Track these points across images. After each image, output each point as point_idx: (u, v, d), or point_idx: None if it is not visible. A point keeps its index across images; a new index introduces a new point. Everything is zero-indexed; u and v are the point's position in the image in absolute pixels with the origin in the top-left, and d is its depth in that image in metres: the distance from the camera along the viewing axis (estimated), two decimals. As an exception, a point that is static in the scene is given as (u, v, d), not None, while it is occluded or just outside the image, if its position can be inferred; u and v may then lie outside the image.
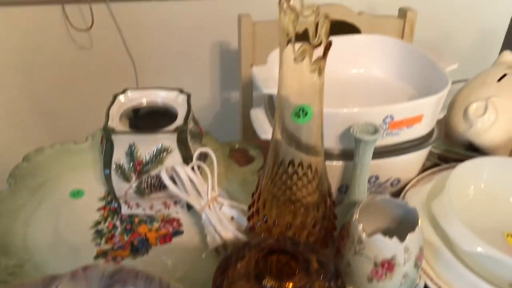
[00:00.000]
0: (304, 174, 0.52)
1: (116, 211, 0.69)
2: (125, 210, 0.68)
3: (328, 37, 0.42)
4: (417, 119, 0.63)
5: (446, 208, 0.58)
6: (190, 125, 0.66)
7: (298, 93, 0.45)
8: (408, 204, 0.54)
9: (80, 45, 1.19)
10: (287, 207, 0.50)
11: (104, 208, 0.70)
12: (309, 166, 0.51)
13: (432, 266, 0.59)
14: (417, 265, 0.52)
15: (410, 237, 0.50)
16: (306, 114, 0.45)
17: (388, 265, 0.50)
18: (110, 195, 0.70)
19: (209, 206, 0.62)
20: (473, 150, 0.79)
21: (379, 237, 0.50)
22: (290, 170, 0.51)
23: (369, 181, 0.67)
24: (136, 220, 0.68)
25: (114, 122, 0.64)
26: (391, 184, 0.69)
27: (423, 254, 0.53)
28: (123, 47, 1.20)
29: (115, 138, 0.62)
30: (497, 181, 0.67)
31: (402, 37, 1.05)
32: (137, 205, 0.68)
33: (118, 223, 0.67)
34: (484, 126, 0.74)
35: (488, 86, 0.78)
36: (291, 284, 0.40)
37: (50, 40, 1.16)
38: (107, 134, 0.62)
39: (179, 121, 0.64)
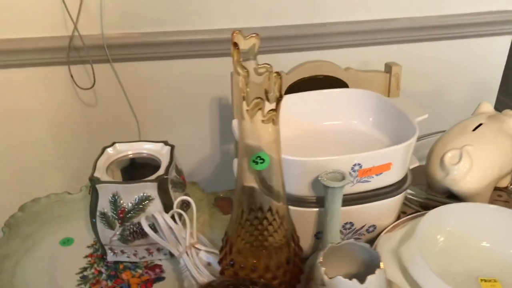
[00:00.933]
0: (274, 219, 0.55)
1: (103, 258, 0.72)
2: (110, 257, 0.71)
3: (280, 91, 0.47)
4: (386, 167, 0.66)
5: (414, 253, 0.60)
6: (172, 175, 0.70)
7: (256, 142, 0.49)
8: (371, 248, 0.57)
9: (85, 102, 1.26)
10: (252, 250, 0.53)
11: (91, 255, 0.73)
12: (277, 212, 0.54)
13: (401, 310, 0.60)
14: (380, 308, 0.54)
15: (370, 279, 0.52)
16: (263, 161, 0.49)
17: (350, 307, 0.52)
18: (98, 243, 0.73)
19: (187, 252, 0.64)
20: (454, 197, 0.81)
21: (340, 279, 0.52)
22: (259, 215, 0.54)
23: (344, 227, 0.69)
24: (121, 266, 0.71)
25: (100, 172, 0.68)
26: (367, 231, 0.71)
27: (387, 297, 0.55)
28: (126, 103, 1.27)
29: (99, 187, 0.66)
30: (467, 226, 0.68)
31: (389, 90, 1.10)
32: (122, 252, 0.70)
33: (103, 269, 0.70)
34: (460, 174, 0.77)
35: (463, 135, 0.81)
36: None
37: (57, 98, 1.23)
38: (93, 183, 0.66)
39: (161, 171, 0.68)
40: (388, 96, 1.11)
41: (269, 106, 0.47)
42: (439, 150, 0.81)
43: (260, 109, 0.46)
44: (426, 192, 0.84)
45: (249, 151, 0.50)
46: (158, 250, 0.71)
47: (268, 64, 0.48)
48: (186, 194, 0.72)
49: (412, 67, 1.41)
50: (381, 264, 0.54)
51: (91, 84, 1.23)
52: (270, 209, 0.53)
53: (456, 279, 0.65)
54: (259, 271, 0.53)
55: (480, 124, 0.83)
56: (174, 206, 0.67)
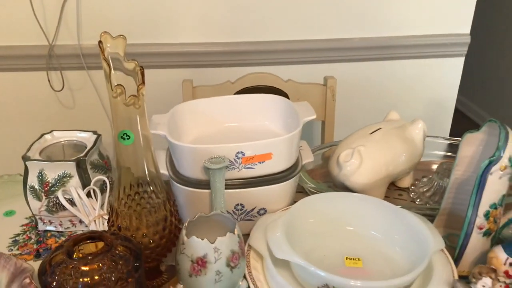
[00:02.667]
0: (152, 192, 0.66)
1: (36, 227, 0.85)
2: (41, 226, 0.84)
3: (142, 80, 0.59)
4: (267, 156, 0.77)
5: (276, 226, 0.71)
6: (93, 157, 0.82)
7: (124, 122, 0.61)
8: (232, 218, 0.68)
9: (64, 104, 1.42)
10: (128, 215, 0.65)
11: (27, 224, 0.86)
12: (147, 183, 0.66)
13: (264, 274, 0.71)
14: (230, 266, 0.64)
15: (219, 239, 0.63)
16: (129, 137, 0.61)
17: (201, 262, 0.63)
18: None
19: (94, 221, 0.77)
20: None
21: (194, 238, 0.63)
22: (134, 187, 0.66)
23: (236, 208, 0.80)
24: (49, 234, 0.83)
25: (33, 153, 0.81)
26: (258, 213, 0.82)
27: (239, 258, 0.65)
28: (100, 105, 1.41)
29: (28, 164, 0.79)
30: (335, 213, 0.78)
31: (325, 101, 1.21)
32: (50, 222, 0.83)
33: (33, 236, 0.83)
34: (351, 170, 0.87)
35: (361, 138, 0.92)
36: (89, 256, 0.54)
37: (37, 99, 1.39)
38: (24, 161, 0.79)
39: (82, 154, 0.81)
40: (325, 106, 1.22)
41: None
42: (338, 150, 0.91)
43: (122, 94, 0.58)
44: (333, 188, 0.94)
45: (119, 130, 0.61)
46: (80, 222, 0.83)
47: (135, 60, 0.60)
48: (108, 177, 0.85)
49: (366, 85, 1.53)
50: (236, 230, 0.65)
51: (70, 88, 1.38)
52: (141, 183, 0.64)
53: (327, 258, 0.75)
54: (132, 231, 0.65)
55: (379, 129, 0.93)
56: (92, 183, 0.80)
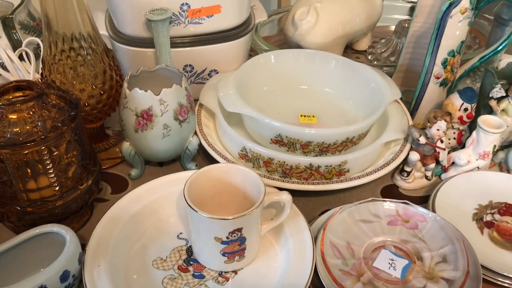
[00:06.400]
0: (88, 47, 0.60)
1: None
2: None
3: None
4: (215, 9, 0.70)
5: (227, 84, 0.66)
6: (22, 17, 0.74)
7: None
8: (177, 71, 0.63)
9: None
10: (64, 70, 0.59)
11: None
12: (83, 37, 0.59)
13: (216, 131, 0.68)
14: (178, 119, 0.60)
15: (164, 91, 0.59)
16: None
17: (146, 115, 0.59)
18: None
19: (30, 84, 0.70)
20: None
21: (137, 90, 0.58)
22: (75, 44, 0.59)
23: (185, 69, 0.75)
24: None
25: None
26: (209, 75, 0.77)
27: (188, 112, 0.62)
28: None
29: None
30: (288, 71, 0.75)
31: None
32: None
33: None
34: (306, 28, 0.82)
35: (317, -5, 0.86)
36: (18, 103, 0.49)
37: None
38: None
39: (9, 12, 0.72)
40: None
41: None
42: (294, 9, 0.85)
43: None
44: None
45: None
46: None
47: None
48: (42, 39, 0.77)
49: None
50: (183, 83, 0.61)
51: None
52: (73, 36, 0.58)
53: (279, 116, 0.72)
54: (67, 86, 0.59)
55: (337, -15, 0.87)
56: (23, 45, 0.72)
